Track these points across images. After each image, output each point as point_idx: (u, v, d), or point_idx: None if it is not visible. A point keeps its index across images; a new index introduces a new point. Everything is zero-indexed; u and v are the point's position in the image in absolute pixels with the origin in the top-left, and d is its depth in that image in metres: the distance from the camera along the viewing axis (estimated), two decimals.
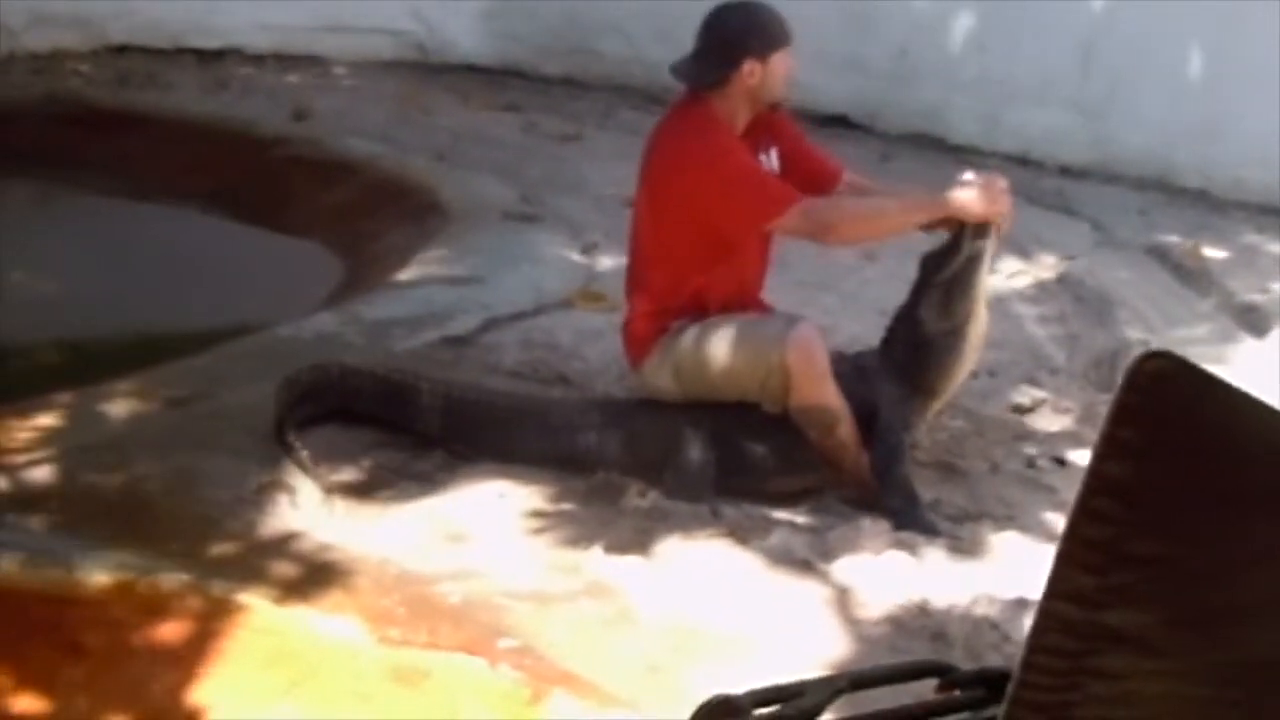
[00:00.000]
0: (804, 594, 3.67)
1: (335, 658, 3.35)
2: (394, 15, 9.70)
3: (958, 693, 1.00)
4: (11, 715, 3.37)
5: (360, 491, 4.01)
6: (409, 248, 6.28)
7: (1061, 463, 4.53)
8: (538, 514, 3.98)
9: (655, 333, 4.21)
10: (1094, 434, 0.72)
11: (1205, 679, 0.73)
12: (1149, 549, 0.71)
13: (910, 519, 4.03)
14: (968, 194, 3.97)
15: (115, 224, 7.18)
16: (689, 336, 4.15)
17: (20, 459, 3.98)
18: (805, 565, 3.79)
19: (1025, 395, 5.08)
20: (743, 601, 3.61)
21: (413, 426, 4.31)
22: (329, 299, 5.89)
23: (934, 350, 4.15)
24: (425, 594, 3.51)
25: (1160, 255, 7.08)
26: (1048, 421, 4.88)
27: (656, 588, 3.62)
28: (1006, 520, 4.13)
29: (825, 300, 5.77)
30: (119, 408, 4.37)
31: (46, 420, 4.23)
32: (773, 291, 4.50)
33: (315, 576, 3.55)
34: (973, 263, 4.04)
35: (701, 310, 4.18)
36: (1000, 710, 0.73)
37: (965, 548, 3.94)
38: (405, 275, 5.87)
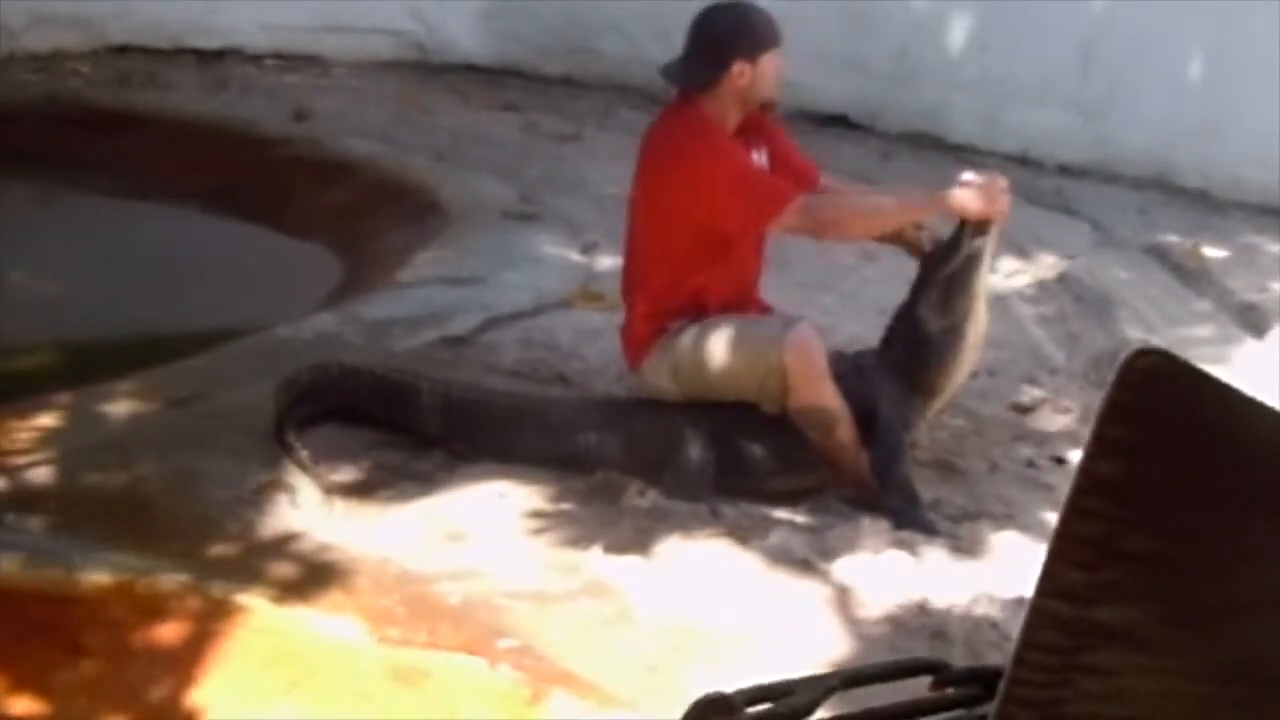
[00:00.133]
0: (804, 593, 3.67)
1: (335, 658, 3.35)
2: (394, 15, 9.70)
3: (951, 691, 1.00)
4: (11, 715, 3.37)
5: (360, 491, 4.01)
6: (408, 247, 6.28)
7: (1061, 462, 4.53)
8: (537, 514, 3.98)
9: (654, 333, 4.21)
10: None
11: (1197, 676, 0.74)
12: (1140, 546, 0.71)
13: (910, 518, 4.03)
14: (967, 192, 3.97)
15: (115, 224, 7.18)
16: (688, 337, 4.15)
17: (20, 459, 3.98)
18: (805, 565, 3.79)
19: (1025, 395, 5.08)
20: (742, 601, 3.61)
21: (412, 426, 4.31)
22: (328, 299, 5.89)
23: (933, 349, 4.15)
24: (425, 594, 3.51)
25: (1160, 255, 7.08)
26: (1047, 421, 4.88)
27: (656, 587, 3.62)
28: (1006, 519, 4.13)
29: (825, 300, 5.77)
30: (119, 408, 4.37)
31: (46, 420, 4.23)
32: (773, 291, 4.50)
33: (315, 576, 3.55)
34: (972, 261, 4.04)
35: (700, 310, 4.18)
36: (992, 707, 0.73)
37: (965, 547, 3.94)
38: (405, 275, 5.87)
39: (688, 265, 4.17)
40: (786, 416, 4.10)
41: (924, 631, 3.53)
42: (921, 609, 3.62)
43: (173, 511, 3.78)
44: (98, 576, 3.47)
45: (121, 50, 9.22)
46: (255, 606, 3.43)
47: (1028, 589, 0.74)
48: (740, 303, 4.25)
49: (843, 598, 3.66)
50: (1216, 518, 0.73)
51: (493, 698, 3.22)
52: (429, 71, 9.64)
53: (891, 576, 3.74)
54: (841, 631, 3.53)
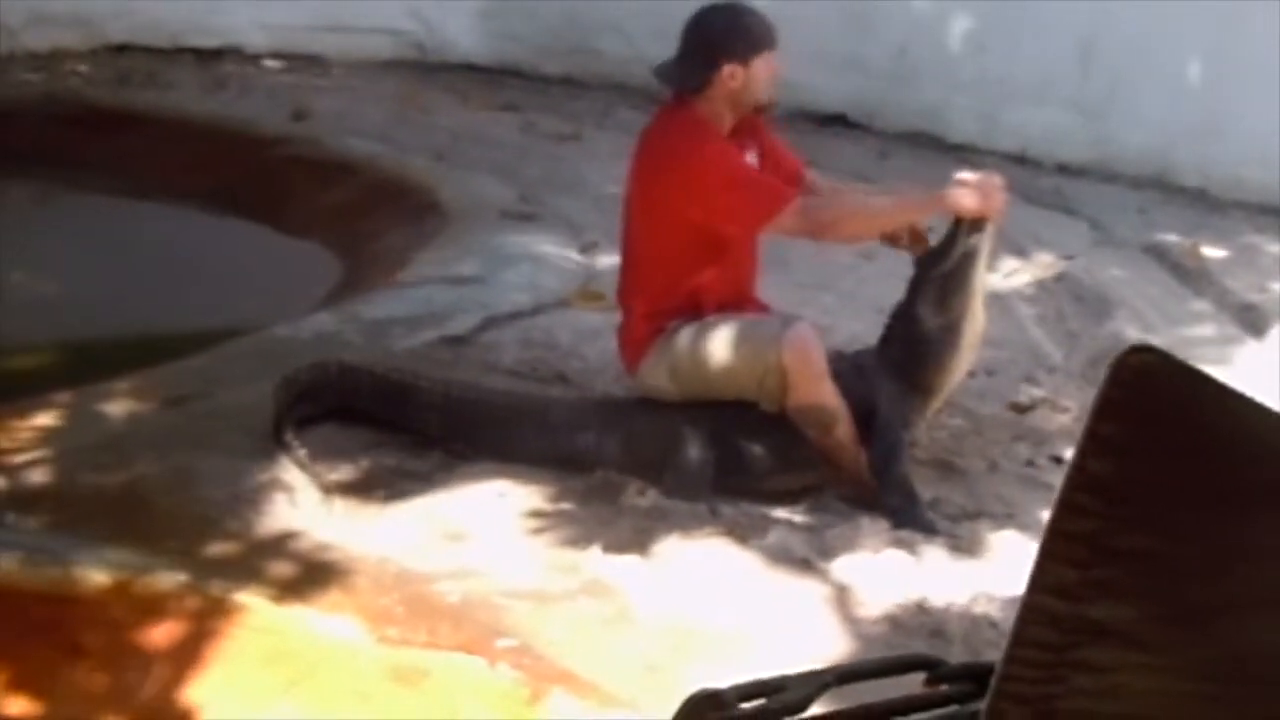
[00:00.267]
0: (803, 592, 3.67)
1: (334, 657, 3.36)
2: (393, 15, 9.70)
3: (945, 687, 1.00)
4: (10, 715, 3.37)
5: (359, 490, 4.01)
6: (408, 247, 6.28)
7: (1060, 461, 4.52)
8: (536, 513, 3.98)
9: (651, 334, 4.21)
10: None
11: (1189, 673, 0.74)
12: (1132, 543, 0.71)
13: (909, 517, 4.03)
14: (963, 191, 3.97)
15: (114, 223, 7.18)
16: (685, 336, 4.15)
17: (19, 459, 3.98)
18: (804, 564, 3.79)
19: (1024, 394, 5.08)
20: (742, 600, 3.61)
21: (411, 426, 4.31)
22: (328, 298, 5.89)
23: (931, 347, 4.15)
24: (424, 593, 3.51)
25: (1159, 254, 7.08)
26: (1046, 420, 4.88)
27: (655, 587, 3.63)
28: (1005, 519, 4.13)
29: (823, 300, 5.77)
30: (117, 407, 4.37)
31: (45, 420, 4.23)
32: (771, 291, 4.50)
33: (314, 576, 3.55)
34: (968, 259, 4.04)
35: (697, 310, 4.18)
36: (984, 703, 0.74)
37: (964, 546, 3.95)
38: (404, 275, 5.86)
39: (684, 266, 4.17)
40: (785, 415, 4.10)
41: (923, 630, 3.54)
42: (920, 608, 3.63)
43: (172, 511, 3.79)
44: (97, 576, 3.48)
45: (121, 49, 9.22)
46: (254, 606, 3.43)
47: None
48: (737, 302, 4.25)
49: (842, 597, 3.66)
50: (1209, 516, 0.73)
51: (492, 697, 3.22)
52: (428, 71, 9.64)
53: (890, 575, 3.74)
54: (840, 630, 3.53)
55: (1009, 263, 6.52)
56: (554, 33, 9.72)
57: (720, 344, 4.10)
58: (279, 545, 3.69)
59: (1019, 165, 8.08)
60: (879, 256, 5.94)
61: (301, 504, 3.90)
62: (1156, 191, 8.22)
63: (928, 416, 4.35)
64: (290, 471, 4.02)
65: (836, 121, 8.86)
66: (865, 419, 4.13)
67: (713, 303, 4.20)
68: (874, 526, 3.98)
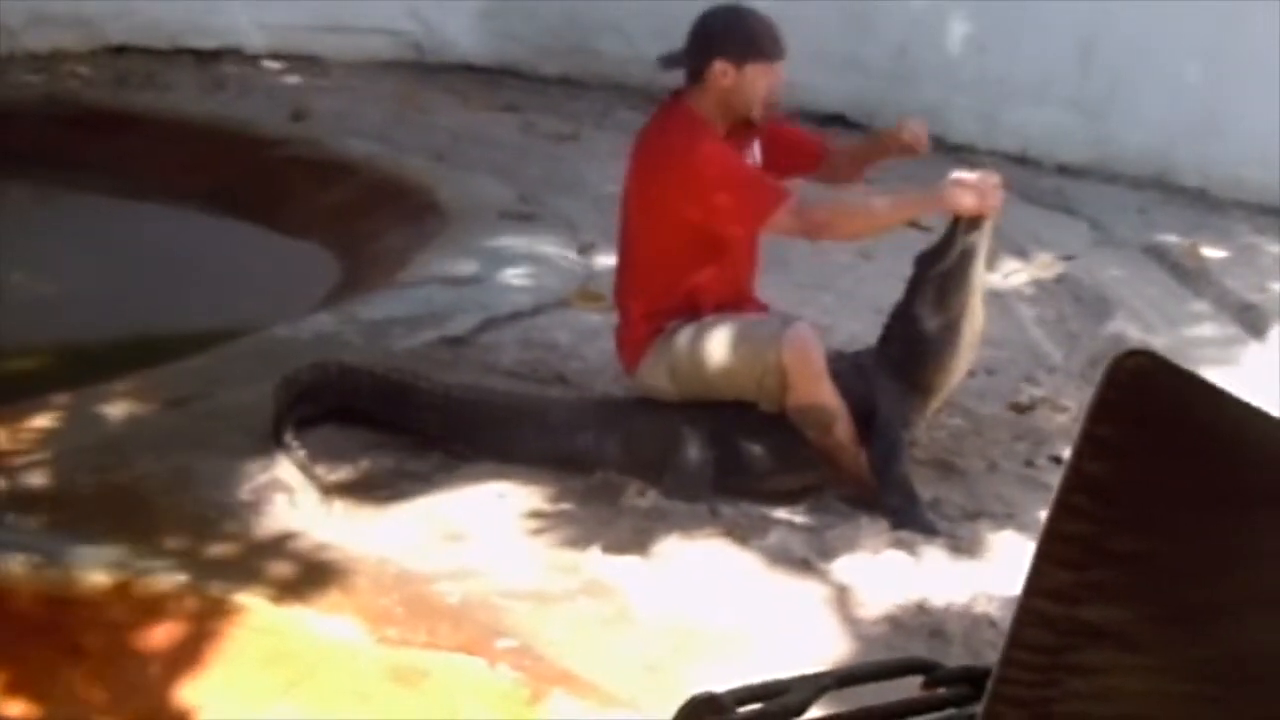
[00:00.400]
0: (803, 593, 3.67)
1: (334, 657, 3.36)
2: (392, 15, 9.70)
3: (942, 690, 1.00)
4: (10, 716, 3.37)
5: (358, 491, 4.01)
6: (407, 248, 6.28)
7: (1059, 461, 4.52)
8: (536, 514, 3.98)
9: (650, 334, 4.21)
10: None
11: (1184, 675, 0.74)
12: (1127, 545, 0.71)
13: (909, 518, 4.03)
14: (960, 189, 3.97)
15: (114, 224, 7.18)
16: (684, 336, 4.15)
17: (19, 460, 3.98)
18: (804, 564, 3.79)
19: (1023, 394, 5.08)
20: (741, 601, 3.61)
21: (411, 426, 4.31)
22: (327, 299, 5.89)
23: (930, 346, 4.15)
24: (424, 594, 3.51)
25: (1159, 254, 7.07)
26: (1046, 420, 4.88)
27: (655, 587, 3.63)
28: (1005, 519, 4.13)
29: (823, 299, 5.77)
30: (117, 408, 4.37)
31: (45, 421, 4.23)
32: (771, 291, 4.50)
33: (313, 576, 3.55)
34: (966, 257, 4.04)
35: (695, 310, 4.18)
36: (980, 706, 0.74)
37: (964, 546, 3.94)
38: (403, 275, 5.87)
39: (682, 266, 4.17)
40: (785, 416, 4.10)
41: (923, 630, 3.54)
42: (920, 608, 3.63)
43: (171, 511, 3.79)
44: (96, 576, 3.48)
45: (120, 50, 9.22)
46: (254, 606, 3.43)
47: None
48: (736, 302, 4.25)
49: (842, 597, 3.66)
50: (1204, 517, 0.73)
51: (492, 698, 3.22)
52: (427, 71, 9.64)
53: (890, 576, 3.74)
54: (840, 631, 3.53)
55: (1009, 263, 6.52)
56: (553, 33, 9.72)
57: (719, 344, 4.10)
58: (279, 546, 3.69)
59: (1020, 165, 8.08)
60: (878, 256, 5.96)
61: (301, 504, 3.90)
62: (1156, 191, 8.22)
63: (927, 416, 4.35)
64: (290, 472, 4.02)
65: (836, 121, 8.85)
66: (865, 419, 4.13)
67: (711, 303, 4.20)
68: (874, 527, 3.98)
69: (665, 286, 4.19)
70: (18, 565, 3.50)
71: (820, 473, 4.20)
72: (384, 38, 9.74)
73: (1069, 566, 0.71)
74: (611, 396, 4.54)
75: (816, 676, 0.97)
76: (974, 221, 4.00)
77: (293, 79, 9.21)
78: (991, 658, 0.77)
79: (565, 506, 4.02)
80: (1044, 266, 6.67)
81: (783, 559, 3.80)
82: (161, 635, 3.43)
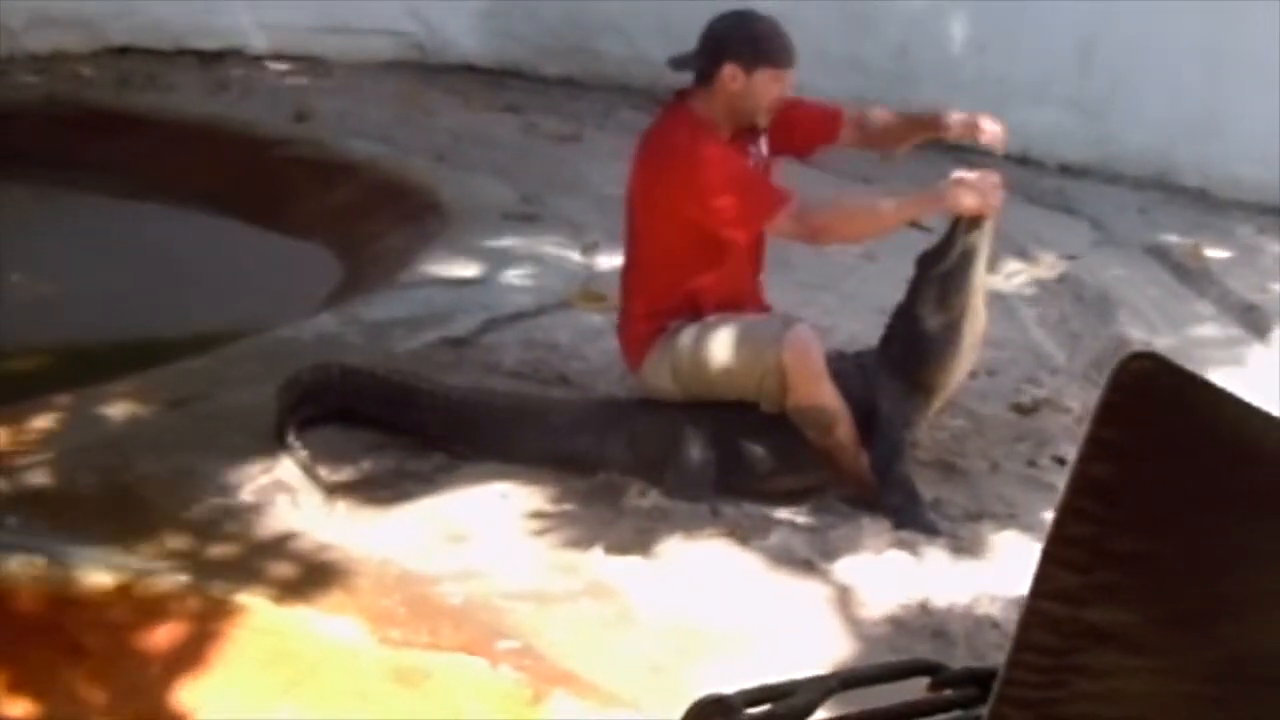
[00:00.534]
0: (805, 593, 3.67)
1: (335, 658, 3.36)
2: (394, 16, 9.70)
3: (949, 692, 1.00)
4: (11, 717, 3.37)
5: (361, 492, 4.01)
6: (409, 248, 6.28)
7: (1062, 462, 4.52)
8: (538, 514, 3.98)
9: (652, 333, 4.21)
10: None
11: (1188, 675, 0.74)
12: (1132, 547, 0.72)
13: (911, 518, 4.03)
14: (960, 189, 3.97)
15: (116, 225, 7.18)
16: (687, 336, 4.15)
17: (20, 460, 3.98)
18: (806, 565, 3.79)
19: (1025, 395, 5.08)
20: (743, 601, 3.61)
21: (413, 427, 4.31)
22: (329, 300, 5.90)
23: (932, 346, 4.15)
24: (426, 594, 3.51)
25: (1160, 254, 7.08)
26: (1048, 421, 4.87)
27: (657, 588, 3.63)
28: (1007, 519, 4.13)
29: (825, 300, 5.77)
30: (119, 409, 4.37)
31: (46, 421, 4.23)
32: (773, 291, 4.50)
33: (315, 577, 3.55)
34: (967, 257, 4.04)
35: (696, 311, 4.18)
36: (987, 707, 0.74)
37: (966, 547, 3.94)
38: (405, 276, 5.87)
39: (684, 266, 4.17)
40: (787, 416, 4.10)
41: (925, 631, 3.53)
42: (923, 609, 3.63)
43: (173, 512, 3.79)
44: (98, 577, 3.48)
45: (122, 51, 9.23)
46: (255, 607, 3.43)
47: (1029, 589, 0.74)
48: (737, 303, 4.25)
49: (844, 598, 3.66)
50: (1209, 519, 0.73)
51: (494, 698, 3.22)
52: (429, 72, 9.65)
53: (892, 576, 3.74)
54: (843, 631, 3.53)
55: (1011, 263, 6.51)
56: (555, 33, 9.72)
57: (720, 345, 4.10)
58: (280, 546, 3.69)
59: (1021, 165, 8.07)
60: (880, 257, 5.96)
61: (303, 505, 3.90)
62: (1158, 191, 8.23)
63: (929, 417, 4.35)
64: (292, 473, 4.02)
65: None
66: (867, 419, 4.13)
67: (712, 303, 4.20)
68: (876, 527, 3.97)
69: (667, 286, 4.19)
70: (19, 566, 3.50)
71: (822, 473, 4.20)
72: (386, 38, 9.74)
73: (1075, 569, 0.71)
74: (613, 397, 4.54)
75: (823, 678, 0.97)
76: (975, 221, 4.00)
77: (295, 80, 9.21)
78: (994, 658, 0.77)
79: (567, 507, 4.02)
80: (1046, 267, 6.68)
81: (785, 559, 3.80)
82: (163, 636, 3.43)
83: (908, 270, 4.24)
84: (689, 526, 3.93)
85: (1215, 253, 7.04)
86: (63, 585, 3.47)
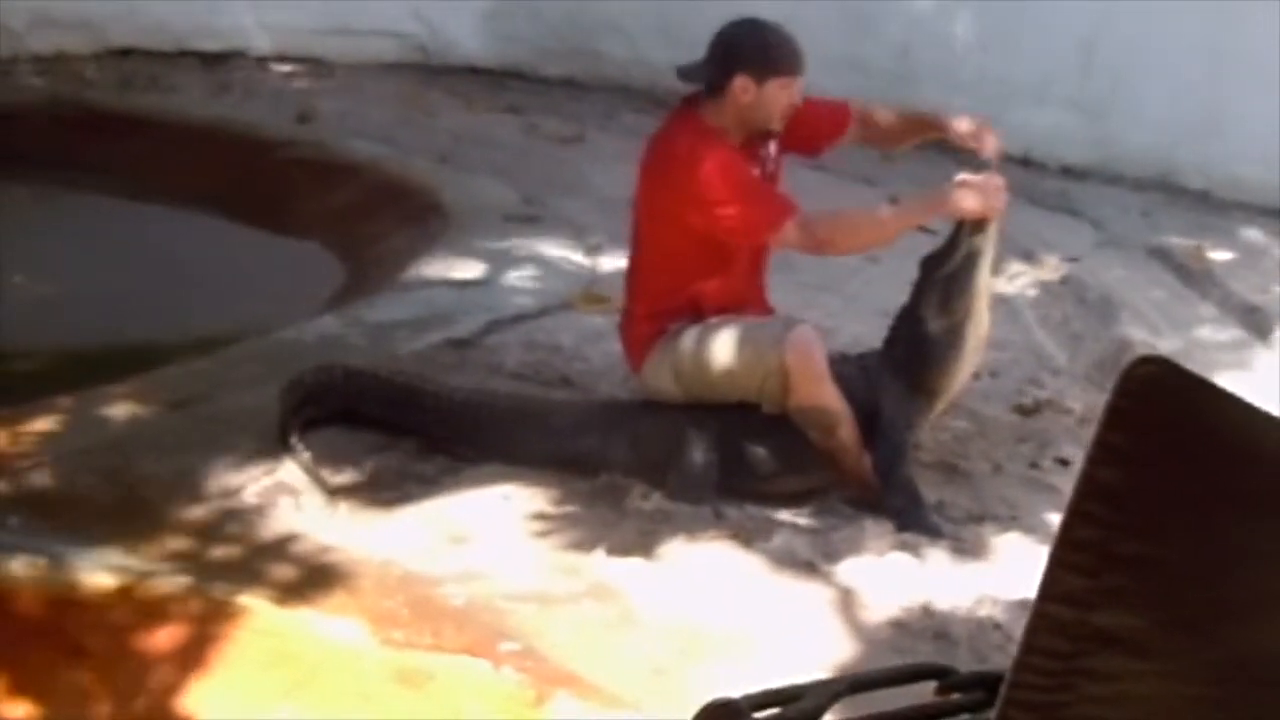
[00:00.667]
0: (807, 595, 3.67)
1: (338, 659, 3.36)
2: (397, 17, 9.70)
3: (956, 695, 1.00)
4: (12, 718, 3.37)
5: (363, 493, 4.01)
6: (411, 250, 6.28)
7: (1065, 464, 4.52)
8: (541, 516, 3.98)
9: (653, 334, 4.21)
10: None
11: (1195, 678, 0.74)
12: (1139, 551, 0.71)
13: (913, 520, 4.03)
14: (963, 192, 3.97)
15: (118, 226, 7.18)
16: (689, 338, 4.15)
17: (21, 462, 3.98)
18: (809, 567, 3.79)
19: (1028, 396, 5.08)
20: (746, 603, 3.61)
21: (416, 429, 4.31)
22: (331, 301, 5.90)
23: (935, 349, 4.14)
24: (428, 596, 3.51)
25: (1163, 256, 7.08)
26: (1050, 422, 4.88)
27: (660, 590, 3.63)
28: (1010, 521, 4.13)
29: (828, 302, 5.77)
30: (120, 410, 4.37)
31: (47, 423, 4.23)
32: (776, 293, 4.50)
33: (318, 578, 3.55)
34: (971, 260, 4.04)
35: (698, 312, 4.18)
36: (994, 711, 0.74)
37: (968, 549, 3.94)
38: (407, 277, 5.87)
39: (686, 271, 4.16)
40: (789, 417, 4.10)
41: (928, 633, 3.53)
42: (925, 611, 3.62)
43: (175, 514, 3.79)
44: (99, 579, 3.48)
45: (125, 53, 9.22)
46: (257, 608, 3.43)
47: (1032, 591, 0.74)
48: (739, 305, 4.24)
49: (846, 600, 3.66)
50: (1215, 523, 0.73)
51: (496, 700, 3.22)
52: (431, 73, 9.65)
53: (895, 578, 3.74)
54: (845, 634, 3.53)
55: (1013, 265, 6.51)
56: (557, 35, 9.72)
57: (722, 346, 4.10)
58: (283, 548, 3.69)
59: (1022, 167, 8.06)
60: (884, 259, 5.95)
61: (306, 507, 3.90)
62: (1159, 193, 8.22)
63: (932, 418, 4.34)
64: (295, 474, 4.02)
65: None
66: (869, 421, 4.13)
67: (713, 307, 4.19)
68: (878, 529, 3.97)
69: (668, 289, 4.19)
70: (20, 567, 3.50)
71: (825, 475, 4.20)
72: (389, 40, 9.74)
73: (1082, 572, 0.71)
74: (616, 399, 4.54)
75: (831, 682, 0.97)
76: (978, 224, 4.00)
77: (298, 81, 9.21)
78: (996, 660, 0.77)
79: (570, 509, 4.02)
80: (1049, 269, 6.67)
81: (787, 561, 3.80)
82: (164, 637, 3.43)
83: (911, 272, 4.24)
84: (691, 528, 3.93)
85: (1217, 254, 7.04)
86: (64, 587, 3.47)
